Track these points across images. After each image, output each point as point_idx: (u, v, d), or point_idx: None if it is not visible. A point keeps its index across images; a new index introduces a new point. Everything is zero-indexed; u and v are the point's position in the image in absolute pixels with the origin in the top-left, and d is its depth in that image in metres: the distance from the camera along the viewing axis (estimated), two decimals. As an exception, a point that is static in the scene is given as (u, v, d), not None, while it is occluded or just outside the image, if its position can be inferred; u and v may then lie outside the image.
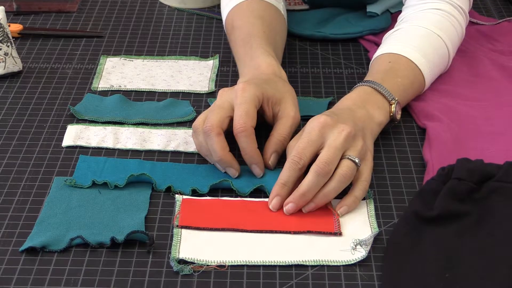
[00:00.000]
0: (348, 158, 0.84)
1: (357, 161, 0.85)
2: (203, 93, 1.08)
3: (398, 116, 0.96)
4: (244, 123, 0.88)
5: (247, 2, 1.09)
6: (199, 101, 1.06)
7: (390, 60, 1.00)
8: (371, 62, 1.04)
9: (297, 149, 0.85)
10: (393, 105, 0.95)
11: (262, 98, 0.92)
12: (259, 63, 0.99)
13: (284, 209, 0.84)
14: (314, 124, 0.86)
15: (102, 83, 1.10)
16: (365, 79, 0.98)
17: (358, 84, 0.97)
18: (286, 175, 0.85)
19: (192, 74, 1.13)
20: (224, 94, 0.92)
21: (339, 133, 0.85)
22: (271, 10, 1.10)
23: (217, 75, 1.13)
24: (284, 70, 1.01)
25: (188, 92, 1.08)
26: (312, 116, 1.00)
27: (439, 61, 1.03)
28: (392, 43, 1.02)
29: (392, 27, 1.23)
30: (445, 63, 1.05)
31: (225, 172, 0.91)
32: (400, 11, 1.25)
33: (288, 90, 0.95)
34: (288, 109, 0.93)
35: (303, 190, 0.83)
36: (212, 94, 1.08)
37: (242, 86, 0.91)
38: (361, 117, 0.91)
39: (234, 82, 1.10)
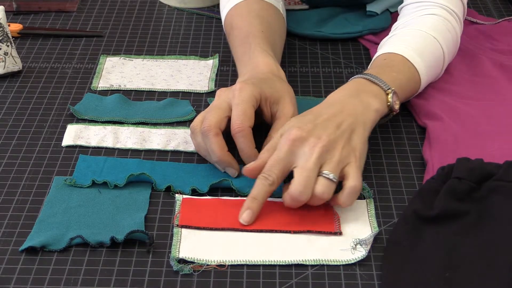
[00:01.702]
0: (323, 176, 0.82)
1: (331, 177, 0.82)
2: (202, 93, 1.08)
3: (397, 106, 0.93)
4: (241, 123, 0.88)
5: (246, 2, 1.09)
6: (199, 101, 1.06)
7: (385, 57, 0.99)
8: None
9: (267, 166, 0.84)
10: (389, 95, 0.92)
11: (260, 97, 0.91)
12: (257, 62, 0.99)
13: None
14: (284, 141, 0.84)
15: (102, 82, 1.10)
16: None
17: (353, 77, 0.96)
18: (256, 190, 0.83)
19: (192, 73, 1.13)
20: (222, 94, 0.92)
21: (311, 150, 0.82)
22: (270, 10, 1.10)
23: (216, 75, 1.12)
24: (284, 70, 1.01)
25: (188, 92, 1.08)
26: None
27: (434, 62, 1.02)
28: (388, 46, 1.01)
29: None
30: (440, 65, 1.03)
31: (225, 172, 0.91)
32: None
33: (286, 89, 0.95)
34: (286, 109, 0.93)
35: (287, 206, 0.84)
36: (212, 94, 1.08)
37: (240, 86, 0.91)
38: (351, 108, 0.88)
39: (233, 81, 1.10)
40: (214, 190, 0.89)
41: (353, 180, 0.83)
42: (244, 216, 0.83)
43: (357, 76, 0.95)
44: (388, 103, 0.92)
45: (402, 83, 0.96)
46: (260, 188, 0.83)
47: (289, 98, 0.94)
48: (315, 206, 0.85)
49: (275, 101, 0.93)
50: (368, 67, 1.02)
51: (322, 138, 0.83)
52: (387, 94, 0.92)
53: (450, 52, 1.05)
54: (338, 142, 0.84)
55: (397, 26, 1.06)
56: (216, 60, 1.16)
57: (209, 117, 0.89)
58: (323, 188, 0.82)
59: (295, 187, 0.82)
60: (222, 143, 0.89)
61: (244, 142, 0.89)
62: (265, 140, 0.92)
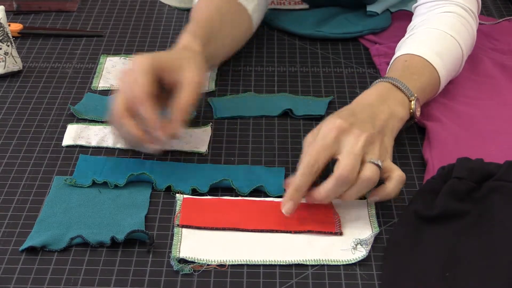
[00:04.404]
0: (370, 161, 0.82)
1: (379, 163, 0.83)
2: (203, 92, 1.08)
3: (418, 113, 0.94)
4: (133, 91, 0.86)
5: None
6: (199, 100, 1.06)
7: (405, 59, 0.99)
8: (388, 68, 1.02)
9: (311, 153, 0.83)
10: (412, 102, 0.93)
11: (156, 65, 0.88)
12: (177, 43, 0.97)
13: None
14: (329, 128, 0.84)
15: (102, 82, 1.10)
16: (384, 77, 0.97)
17: (377, 80, 0.95)
18: (300, 179, 0.82)
19: (192, 73, 1.12)
20: (121, 78, 0.90)
21: (356, 138, 0.83)
22: (233, 6, 1.08)
23: (217, 74, 1.12)
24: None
25: (188, 92, 1.08)
26: (312, 115, 1.00)
27: (453, 62, 1.01)
28: (407, 46, 1.01)
29: (392, 27, 1.22)
30: (459, 64, 1.03)
31: (215, 169, 0.91)
32: (400, 10, 1.25)
33: (190, 56, 0.92)
34: (188, 73, 0.89)
35: (321, 197, 0.82)
36: (213, 93, 1.07)
37: (134, 59, 0.89)
38: (381, 114, 0.89)
39: (234, 81, 1.10)
40: (214, 190, 0.89)
41: (398, 170, 0.84)
42: (287, 208, 0.82)
43: (382, 79, 0.95)
44: (411, 110, 0.93)
45: (423, 86, 0.97)
46: (304, 178, 0.82)
47: (193, 64, 0.90)
48: (315, 206, 0.85)
49: (177, 68, 0.89)
50: (389, 67, 1.01)
51: (365, 130, 0.84)
52: (410, 101, 0.93)
53: (468, 49, 1.05)
54: (376, 139, 0.85)
55: (414, 25, 1.06)
56: (216, 60, 1.16)
57: (114, 106, 0.87)
58: (370, 172, 0.81)
59: (344, 167, 0.81)
60: (135, 124, 0.86)
61: (144, 109, 0.85)
62: (171, 108, 0.88)
